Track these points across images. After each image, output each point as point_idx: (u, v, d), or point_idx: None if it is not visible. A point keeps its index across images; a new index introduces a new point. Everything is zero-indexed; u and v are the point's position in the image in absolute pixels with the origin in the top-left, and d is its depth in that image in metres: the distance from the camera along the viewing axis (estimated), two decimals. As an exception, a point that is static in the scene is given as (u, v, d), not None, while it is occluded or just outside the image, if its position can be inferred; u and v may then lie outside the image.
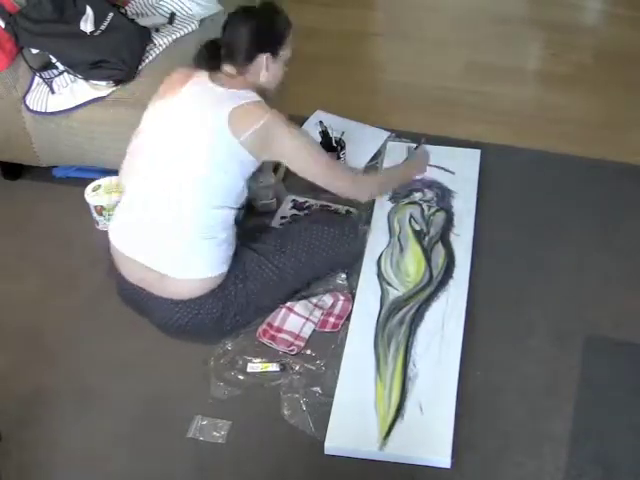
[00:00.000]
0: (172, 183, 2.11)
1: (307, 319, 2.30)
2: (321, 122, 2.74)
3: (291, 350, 2.23)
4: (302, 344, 2.25)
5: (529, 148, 2.91)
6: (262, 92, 2.19)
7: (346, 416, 2.07)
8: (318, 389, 2.15)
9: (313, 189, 2.47)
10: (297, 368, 2.19)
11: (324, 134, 2.72)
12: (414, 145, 2.81)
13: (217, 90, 2.13)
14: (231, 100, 2.10)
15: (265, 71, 2.17)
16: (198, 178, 2.10)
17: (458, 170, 2.77)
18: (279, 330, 2.28)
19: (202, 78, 2.16)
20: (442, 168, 2.77)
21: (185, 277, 2.14)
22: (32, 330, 2.37)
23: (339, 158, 2.70)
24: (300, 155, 2.22)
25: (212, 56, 2.17)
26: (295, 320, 2.30)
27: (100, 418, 2.14)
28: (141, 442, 2.08)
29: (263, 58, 2.15)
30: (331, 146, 2.71)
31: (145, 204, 2.16)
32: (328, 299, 2.35)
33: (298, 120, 2.99)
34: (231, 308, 2.19)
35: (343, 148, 2.72)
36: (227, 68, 2.16)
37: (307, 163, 2.24)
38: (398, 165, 2.71)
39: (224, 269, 2.17)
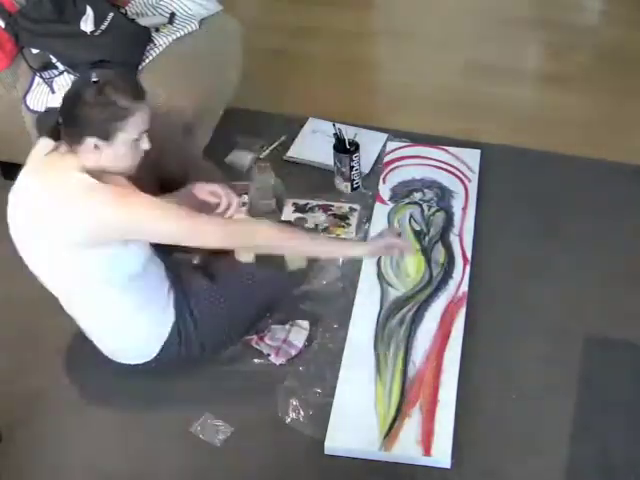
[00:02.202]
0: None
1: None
2: (334, 124, 2.74)
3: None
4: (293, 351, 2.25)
5: (529, 148, 2.91)
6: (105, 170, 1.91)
7: (346, 416, 2.06)
8: (318, 389, 2.15)
9: (312, 189, 2.47)
10: (298, 368, 2.20)
11: (337, 136, 2.72)
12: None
13: (49, 178, 1.93)
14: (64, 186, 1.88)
15: (96, 156, 1.87)
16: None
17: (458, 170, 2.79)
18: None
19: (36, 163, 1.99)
20: (466, 164, 2.80)
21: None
22: (32, 330, 2.37)
23: (352, 160, 2.69)
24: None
25: (51, 125, 1.93)
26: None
27: (100, 418, 2.14)
28: (142, 442, 2.08)
29: (92, 142, 1.85)
30: (345, 148, 2.70)
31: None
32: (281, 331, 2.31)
33: (298, 120, 3.02)
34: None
35: (357, 149, 2.70)
36: (63, 141, 1.91)
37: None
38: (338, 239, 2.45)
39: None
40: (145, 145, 1.92)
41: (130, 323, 2.07)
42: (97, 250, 1.90)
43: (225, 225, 2.02)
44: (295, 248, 2.10)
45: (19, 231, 1.99)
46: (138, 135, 1.89)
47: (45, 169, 1.94)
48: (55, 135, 1.92)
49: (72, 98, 1.86)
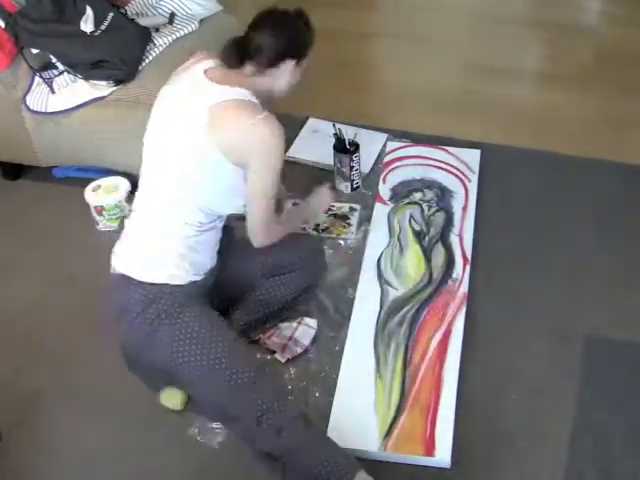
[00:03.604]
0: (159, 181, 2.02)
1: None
2: (334, 124, 2.74)
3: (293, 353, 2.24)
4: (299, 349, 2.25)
5: (529, 148, 2.91)
6: (264, 95, 2.08)
7: (346, 416, 2.06)
8: (318, 389, 2.15)
9: (312, 189, 2.47)
10: (296, 369, 2.20)
11: (337, 136, 2.72)
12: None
13: (205, 85, 1.98)
14: (215, 96, 1.95)
15: (287, 77, 2.07)
16: (181, 177, 1.99)
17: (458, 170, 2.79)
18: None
19: (197, 70, 2.03)
20: (466, 164, 2.80)
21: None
22: (32, 330, 2.37)
23: (352, 160, 2.69)
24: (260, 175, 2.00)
25: (239, 53, 2.02)
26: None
27: (100, 418, 2.14)
28: (141, 441, 2.08)
29: (289, 65, 2.05)
30: (345, 148, 2.70)
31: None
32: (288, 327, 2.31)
33: (298, 120, 3.02)
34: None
35: (357, 150, 2.70)
36: (249, 67, 2.02)
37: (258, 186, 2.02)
38: (299, 209, 2.47)
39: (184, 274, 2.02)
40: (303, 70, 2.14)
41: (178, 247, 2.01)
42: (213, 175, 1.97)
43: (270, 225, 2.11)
44: (295, 228, 2.36)
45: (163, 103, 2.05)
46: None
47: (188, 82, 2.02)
48: (242, 60, 2.01)
49: (276, 25, 2.03)
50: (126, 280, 1.99)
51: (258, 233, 2.08)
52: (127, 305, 1.98)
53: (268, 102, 2.09)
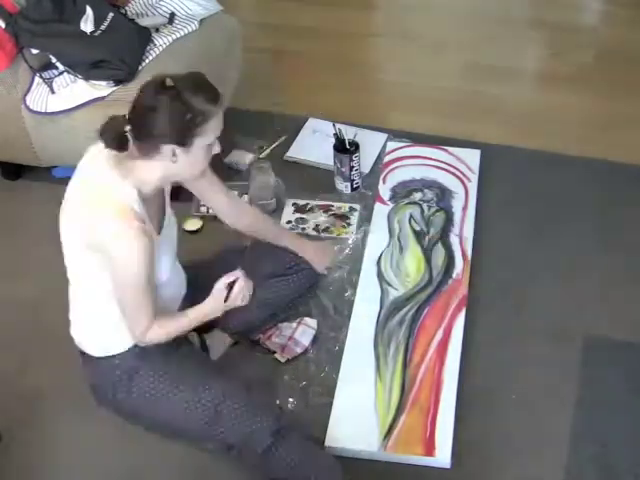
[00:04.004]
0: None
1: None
2: (334, 124, 2.74)
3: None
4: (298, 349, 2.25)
5: (529, 148, 2.91)
6: (162, 181, 1.90)
7: (346, 416, 2.07)
8: (318, 389, 2.15)
9: (312, 189, 2.47)
10: (296, 369, 2.20)
11: (337, 136, 2.72)
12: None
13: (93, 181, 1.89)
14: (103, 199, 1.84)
15: (174, 164, 1.83)
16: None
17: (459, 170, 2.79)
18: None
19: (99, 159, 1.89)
20: (466, 164, 2.80)
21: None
22: (32, 330, 2.37)
23: (352, 160, 2.68)
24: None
25: (116, 135, 1.83)
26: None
27: (100, 418, 2.13)
28: (141, 442, 2.08)
29: (169, 150, 1.80)
30: (345, 148, 2.70)
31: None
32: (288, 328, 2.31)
33: (298, 120, 3.02)
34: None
35: (357, 149, 2.70)
36: (132, 147, 1.84)
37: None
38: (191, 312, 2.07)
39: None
40: (217, 149, 1.89)
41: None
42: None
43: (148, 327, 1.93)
44: (184, 330, 2.04)
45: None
46: (214, 139, 1.85)
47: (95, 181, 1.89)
48: (122, 144, 1.83)
49: (147, 106, 1.79)
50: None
51: (132, 328, 1.93)
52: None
53: (165, 187, 1.97)
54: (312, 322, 2.30)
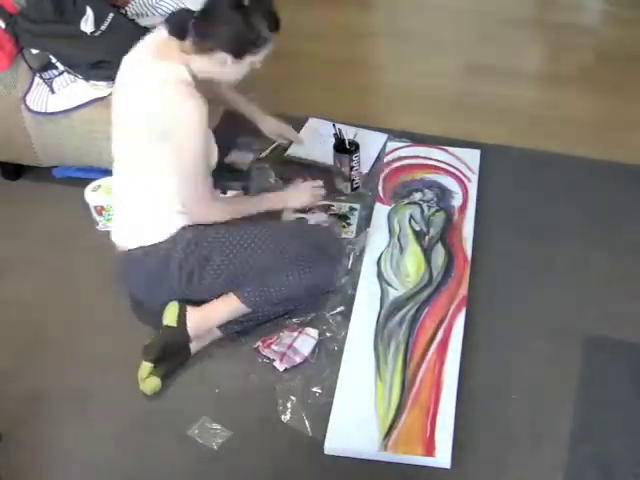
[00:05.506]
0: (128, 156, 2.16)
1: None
2: (334, 124, 2.74)
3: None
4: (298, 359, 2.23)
5: (529, 148, 2.91)
6: (203, 75, 2.08)
7: (346, 416, 2.07)
8: (318, 389, 2.15)
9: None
10: (296, 369, 2.20)
11: (337, 136, 2.71)
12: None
13: (148, 64, 2.06)
14: (157, 75, 2.03)
15: (220, 68, 2.05)
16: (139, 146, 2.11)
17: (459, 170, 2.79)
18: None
19: (148, 42, 2.11)
20: (466, 164, 2.80)
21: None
22: (32, 330, 2.37)
23: (352, 160, 2.68)
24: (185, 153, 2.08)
25: (180, 25, 2.02)
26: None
27: (100, 418, 2.14)
28: (141, 442, 2.08)
29: (223, 57, 2.03)
30: (345, 148, 2.70)
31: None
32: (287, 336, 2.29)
33: (298, 120, 3.02)
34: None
35: (357, 149, 2.69)
36: (187, 41, 2.02)
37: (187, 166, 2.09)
38: (266, 195, 2.39)
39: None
40: (258, 65, 2.09)
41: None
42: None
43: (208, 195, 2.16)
44: (248, 212, 2.26)
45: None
46: (262, 59, 2.07)
47: (156, 56, 2.05)
48: (182, 33, 2.01)
49: (218, 16, 1.98)
50: (140, 250, 2.16)
51: (193, 208, 2.14)
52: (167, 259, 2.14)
53: (205, 86, 2.11)
54: (313, 332, 2.28)
